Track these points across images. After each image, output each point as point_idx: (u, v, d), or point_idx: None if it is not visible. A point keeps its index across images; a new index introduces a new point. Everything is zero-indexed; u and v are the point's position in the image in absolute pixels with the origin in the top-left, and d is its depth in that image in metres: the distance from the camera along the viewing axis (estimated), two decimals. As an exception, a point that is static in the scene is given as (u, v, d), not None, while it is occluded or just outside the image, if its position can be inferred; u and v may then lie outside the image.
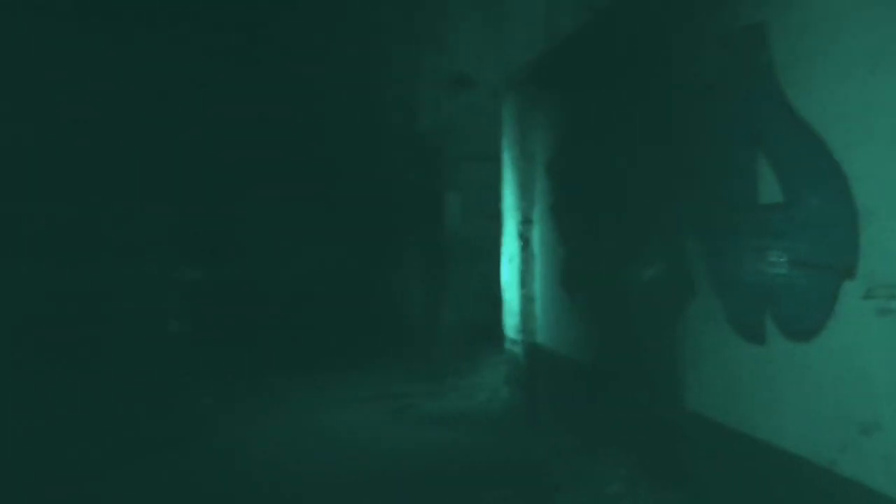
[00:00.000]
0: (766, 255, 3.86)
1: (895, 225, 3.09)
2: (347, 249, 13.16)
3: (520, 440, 6.49)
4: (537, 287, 7.28)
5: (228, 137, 12.92)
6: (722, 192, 4.23)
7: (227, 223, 13.18)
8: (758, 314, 3.90)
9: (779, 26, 3.77)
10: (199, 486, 5.78)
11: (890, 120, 3.10)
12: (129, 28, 12.35)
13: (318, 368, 9.96)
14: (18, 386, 8.17)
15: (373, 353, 10.62)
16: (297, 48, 13.11)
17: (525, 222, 7.48)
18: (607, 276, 5.72)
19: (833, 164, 3.37)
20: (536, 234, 7.31)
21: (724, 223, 4.22)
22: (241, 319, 11.53)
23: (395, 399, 8.29)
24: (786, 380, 3.71)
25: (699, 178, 4.48)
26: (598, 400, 5.72)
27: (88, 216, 11.67)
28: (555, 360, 6.86)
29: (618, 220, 5.57)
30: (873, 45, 3.19)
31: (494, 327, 8.35)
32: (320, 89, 12.97)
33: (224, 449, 6.75)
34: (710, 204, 4.36)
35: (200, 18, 12.88)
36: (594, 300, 6.03)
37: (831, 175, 3.38)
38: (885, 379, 3.14)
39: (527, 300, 7.41)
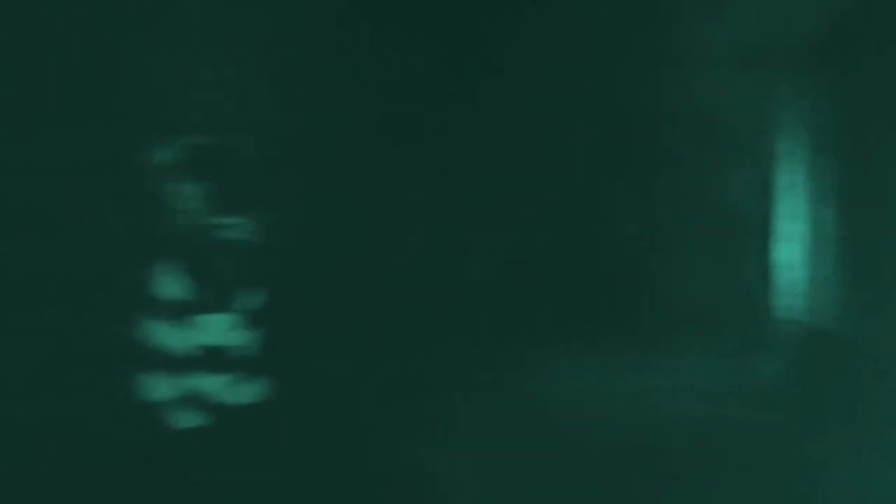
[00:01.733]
0: None
1: None
2: (631, 229, 13.41)
3: (780, 419, 6.50)
4: (811, 266, 7.14)
5: (517, 116, 13.66)
6: None
7: (521, 191, 13.91)
8: None
9: None
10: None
11: None
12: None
13: (593, 341, 10.37)
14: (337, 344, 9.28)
15: (648, 328, 10.85)
16: (566, 27, 13.48)
17: (801, 202, 7.34)
18: (880, 257, 5.55)
19: None
20: (813, 214, 7.15)
21: None
22: (538, 283, 12.18)
23: (665, 374, 8.51)
24: None
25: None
26: (862, 382, 5.58)
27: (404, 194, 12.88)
28: (826, 343, 6.73)
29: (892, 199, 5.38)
30: None
31: (767, 307, 8.26)
32: (595, 69, 13.28)
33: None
34: None
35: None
36: (867, 281, 5.87)
37: None
38: None
39: (800, 280, 7.28)
